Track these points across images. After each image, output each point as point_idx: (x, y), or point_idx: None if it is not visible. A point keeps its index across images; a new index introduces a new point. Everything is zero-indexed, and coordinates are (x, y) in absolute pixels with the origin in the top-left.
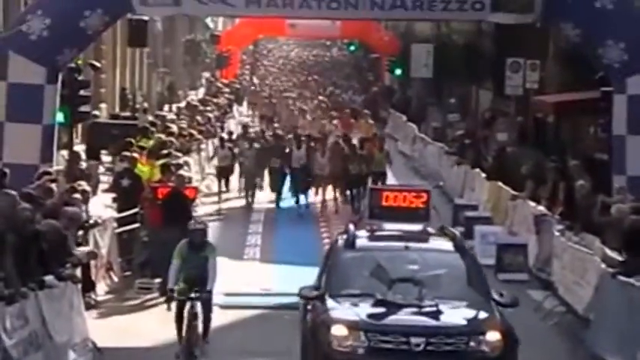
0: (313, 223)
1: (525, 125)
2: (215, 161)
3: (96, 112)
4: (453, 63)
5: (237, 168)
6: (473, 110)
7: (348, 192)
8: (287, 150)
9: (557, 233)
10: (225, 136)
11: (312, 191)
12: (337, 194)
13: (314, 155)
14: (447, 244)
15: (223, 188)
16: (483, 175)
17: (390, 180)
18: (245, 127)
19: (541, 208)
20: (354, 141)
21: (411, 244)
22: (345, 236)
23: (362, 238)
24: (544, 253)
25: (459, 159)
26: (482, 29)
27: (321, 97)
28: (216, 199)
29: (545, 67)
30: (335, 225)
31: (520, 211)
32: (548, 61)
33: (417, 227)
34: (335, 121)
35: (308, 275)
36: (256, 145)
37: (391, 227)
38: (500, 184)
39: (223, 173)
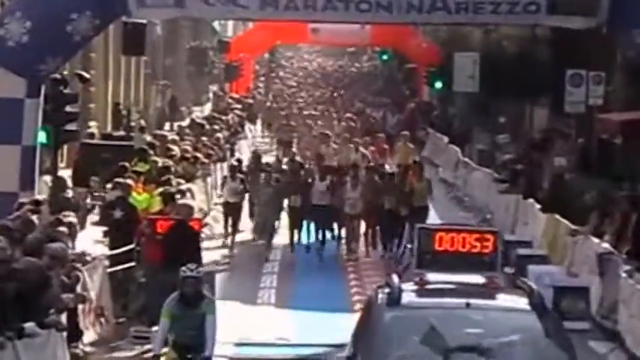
0: (338, 264)
1: (588, 148)
2: (220, 191)
3: (92, 132)
4: (502, 75)
5: (246, 204)
6: (526, 130)
7: (379, 231)
8: (308, 183)
9: (624, 275)
10: (235, 163)
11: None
12: (371, 234)
13: (342, 189)
14: (520, 301)
15: (230, 229)
16: (538, 206)
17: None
18: (256, 155)
19: (606, 245)
20: (389, 168)
21: (474, 301)
22: (387, 290)
23: (409, 293)
24: (609, 298)
25: (509, 187)
26: (538, 35)
27: (348, 116)
28: (222, 238)
29: (611, 80)
30: (364, 264)
31: (581, 248)
32: (615, 73)
33: (479, 279)
34: (366, 149)
35: (331, 323)
36: (273, 178)
37: (444, 278)
38: (557, 216)
39: (231, 211)
